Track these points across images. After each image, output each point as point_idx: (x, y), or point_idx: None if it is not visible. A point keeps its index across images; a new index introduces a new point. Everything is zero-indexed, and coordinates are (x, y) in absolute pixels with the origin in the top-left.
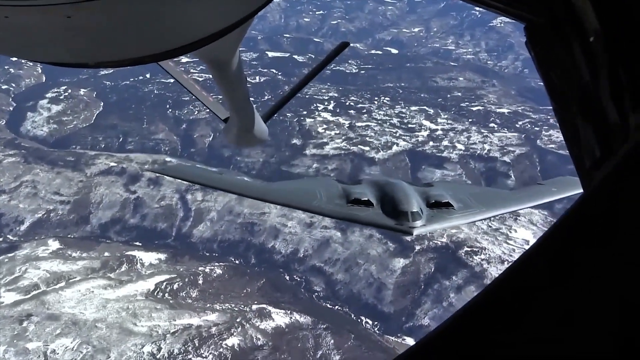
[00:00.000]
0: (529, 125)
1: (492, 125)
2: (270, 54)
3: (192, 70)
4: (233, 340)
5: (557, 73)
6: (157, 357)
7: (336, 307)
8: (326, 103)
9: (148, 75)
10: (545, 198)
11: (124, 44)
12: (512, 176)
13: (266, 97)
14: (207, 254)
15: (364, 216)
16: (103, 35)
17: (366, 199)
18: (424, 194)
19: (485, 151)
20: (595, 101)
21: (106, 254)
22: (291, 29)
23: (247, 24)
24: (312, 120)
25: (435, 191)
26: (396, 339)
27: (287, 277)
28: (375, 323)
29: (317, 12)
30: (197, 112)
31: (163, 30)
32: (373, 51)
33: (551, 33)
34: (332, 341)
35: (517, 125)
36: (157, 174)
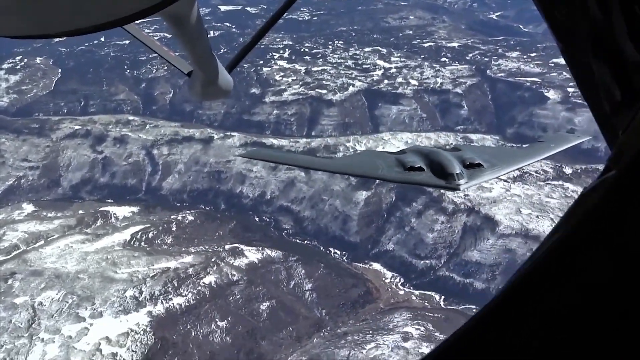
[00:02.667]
0: (479, 57)
1: (443, 59)
2: (223, 7)
3: (146, 31)
4: (210, 279)
5: (562, 11)
6: (140, 299)
7: (305, 241)
8: (281, 51)
9: (103, 39)
10: (546, 152)
11: (84, 12)
12: (465, 106)
13: (222, 51)
14: (178, 204)
15: (419, 179)
16: (61, 4)
17: (419, 165)
18: (460, 157)
19: (438, 85)
20: (609, 39)
21: (80, 212)
22: None
23: None
24: (269, 69)
25: (467, 155)
26: (364, 265)
27: (257, 219)
28: (344, 252)
29: None
30: (155, 70)
31: None
32: None
33: None
34: (303, 271)
35: (468, 58)
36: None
